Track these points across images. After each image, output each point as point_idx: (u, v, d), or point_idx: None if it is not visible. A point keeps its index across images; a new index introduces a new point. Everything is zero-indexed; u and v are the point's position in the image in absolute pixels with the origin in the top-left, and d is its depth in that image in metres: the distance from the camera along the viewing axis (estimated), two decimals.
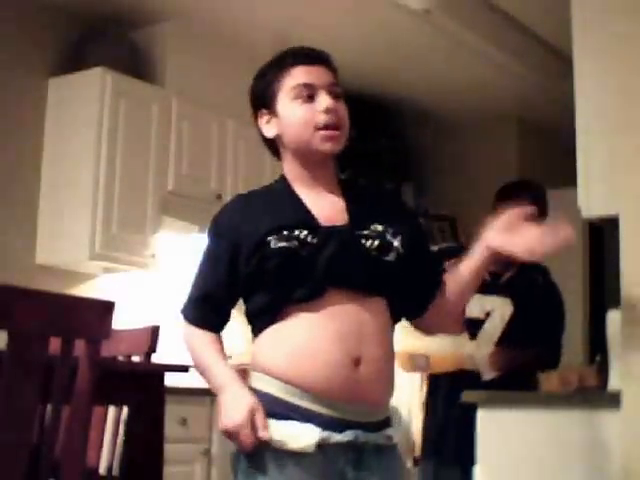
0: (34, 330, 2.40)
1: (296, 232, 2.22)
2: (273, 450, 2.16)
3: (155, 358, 3.56)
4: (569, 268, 7.01)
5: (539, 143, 7.44)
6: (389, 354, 2.29)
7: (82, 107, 5.22)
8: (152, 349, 3.53)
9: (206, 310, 2.34)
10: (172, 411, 4.18)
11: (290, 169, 2.41)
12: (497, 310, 4.35)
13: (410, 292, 2.35)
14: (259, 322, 2.28)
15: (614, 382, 3.36)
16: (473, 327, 4.35)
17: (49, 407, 2.54)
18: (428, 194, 7.36)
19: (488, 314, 4.37)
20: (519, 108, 7.14)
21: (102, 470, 3.32)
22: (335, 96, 2.34)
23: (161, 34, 5.64)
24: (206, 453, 5.02)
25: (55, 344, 2.48)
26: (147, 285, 5.70)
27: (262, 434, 2.14)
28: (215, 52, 5.90)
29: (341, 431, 2.17)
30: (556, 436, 2.77)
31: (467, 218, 6.78)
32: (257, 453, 2.17)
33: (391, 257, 2.26)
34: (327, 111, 2.30)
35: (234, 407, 2.17)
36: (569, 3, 3.58)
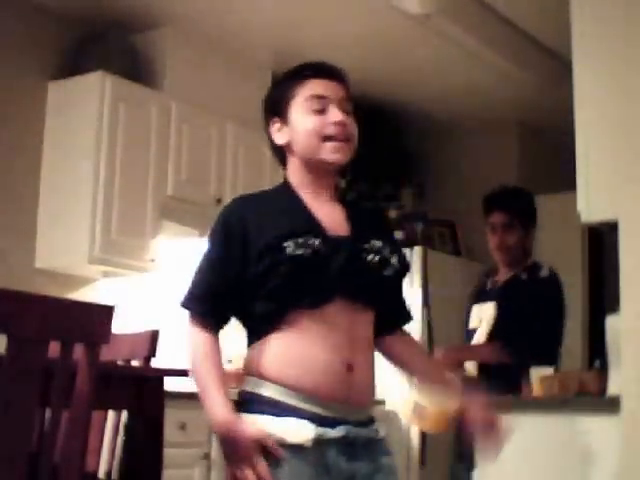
0: (33, 334, 2.40)
1: (310, 240, 2.28)
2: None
3: (154, 362, 3.56)
4: (568, 273, 7.01)
5: (539, 148, 7.44)
6: (373, 362, 2.40)
7: (82, 111, 5.22)
8: (151, 353, 3.53)
9: (212, 306, 2.35)
10: (171, 415, 4.17)
11: (296, 176, 2.47)
12: (485, 317, 4.42)
13: (384, 313, 2.45)
14: (260, 327, 2.33)
15: (613, 387, 3.36)
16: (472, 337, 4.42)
17: (48, 411, 2.54)
18: (428, 199, 7.36)
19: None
20: (519, 112, 7.15)
21: (101, 475, 3.32)
22: (346, 112, 2.43)
23: (160, 38, 5.65)
24: (205, 457, 5.02)
25: (54, 348, 2.48)
26: (146, 289, 5.70)
27: (278, 453, 2.21)
28: (214, 56, 5.90)
29: (334, 427, 2.27)
30: (555, 441, 2.77)
31: (467, 223, 6.79)
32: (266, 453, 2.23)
33: (389, 272, 2.39)
34: (337, 124, 2.39)
35: (239, 446, 2.23)
36: (568, 8, 3.58)
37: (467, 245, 6.99)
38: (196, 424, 4.96)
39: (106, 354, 2.99)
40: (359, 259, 2.34)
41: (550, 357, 4.23)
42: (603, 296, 6.73)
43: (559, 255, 7.09)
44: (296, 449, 2.22)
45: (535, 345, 4.24)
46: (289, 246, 2.26)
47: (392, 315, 2.51)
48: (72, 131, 5.25)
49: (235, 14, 5.55)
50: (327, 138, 2.38)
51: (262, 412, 2.26)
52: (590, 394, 3.57)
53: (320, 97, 2.41)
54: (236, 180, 5.88)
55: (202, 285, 2.37)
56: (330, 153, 2.39)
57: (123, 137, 5.26)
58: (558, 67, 5.74)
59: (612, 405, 3.19)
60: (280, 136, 2.48)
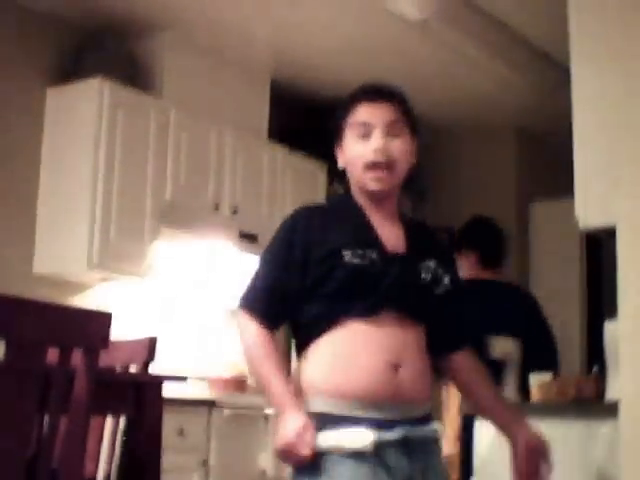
0: (32, 340, 2.40)
1: (368, 252, 2.38)
2: (329, 455, 2.29)
3: (153, 368, 3.56)
4: (567, 279, 7.04)
5: (537, 154, 7.45)
6: (426, 366, 2.46)
7: (80, 117, 5.23)
8: (150, 359, 3.52)
9: (270, 305, 2.42)
10: (170, 421, 4.18)
11: (357, 195, 2.55)
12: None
13: (440, 330, 2.52)
14: (309, 332, 2.41)
15: (611, 393, 3.36)
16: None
17: (47, 417, 2.54)
18: (426, 204, 7.36)
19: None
20: (517, 118, 7.16)
21: None
22: (393, 134, 2.48)
23: (159, 45, 5.65)
24: (204, 463, 5.01)
25: (53, 354, 2.48)
26: (145, 295, 5.70)
27: (305, 452, 2.28)
28: (213, 62, 5.91)
29: (391, 429, 2.32)
30: (553, 446, 2.77)
31: None
32: (313, 463, 2.29)
33: (440, 291, 2.48)
34: (376, 151, 2.45)
35: (286, 429, 2.30)
36: (567, 14, 3.59)
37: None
38: (194, 430, 4.96)
39: (104, 360, 2.99)
40: (412, 276, 2.42)
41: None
42: (601, 302, 6.74)
43: (557, 261, 7.12)
44: (356, 455, 2.28)
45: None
46: (347, 254, 2.36)
47: (448, 335, 2.56)
48: (71, 137, 5.25)
49: (234, 21, 5.55)
50: (368, 167, 2.45)
51: (319, 428, 2.30)
52: (588, 399, 3.57)
53: (364, 124, 2.48)
54: (234, 186, 5.88)
55: (261, 284, 2.44)
56: (370, 182, 2.47)
57: (121, 143, 5.27)
58: (556, 73, 5.74)
59: (610, 410, 3.19)
60: (340, 160, 2.56)
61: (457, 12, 5.41)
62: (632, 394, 3.15)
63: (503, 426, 2.57)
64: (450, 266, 2.57)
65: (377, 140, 2.45)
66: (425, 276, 2.45)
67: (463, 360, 2.59)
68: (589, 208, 3.41)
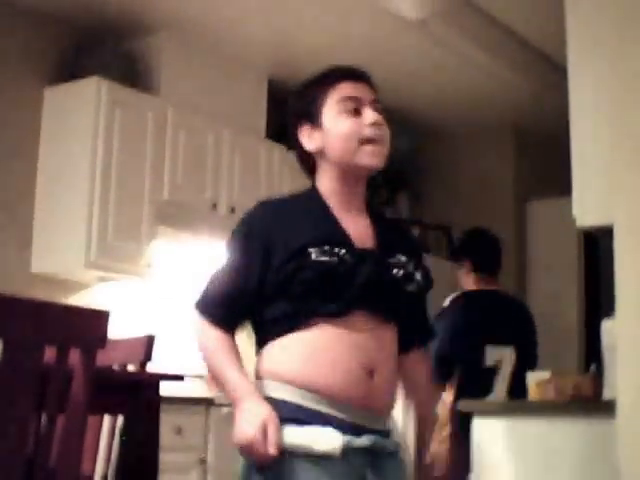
0: (29, 339, 2.40)
1: (336, 249, 2.25)
2: (293, 457, 2.19)
3: (150, 367, 3.56)
4: (564, 277, 7.04)
5: (535, 152, 7.45)
6: (395, 373, 2.38)
7: (78, 116, 5.23)
8: (147, 358, 3.52)
9: (229, 311, 2.34)
10: (167, 420, 4.18)
11: (326, 184, 2.42)
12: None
13: (405, 328, 2.43)
14: (275, 329, 2.30)
15: (609, 391, 3.36)
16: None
17: (44, 416, 2.54)
18: (423, 203, 7.37)
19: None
20: (515, 117, 7.16)
21: (97, 479, 3.31)
22: (379, 113, 2.40)
23: (157, 44, 5.65)
24: (202, 462, 5.02)
25: (50, 353, 2.48)
26: (142, 294, 5.70)
27: (271, 450, 2.16)
28: (211, 62, 5.91)
29: (359, 435, 2.24)
30: (551, 445, 2.77)
31: (462, 227, 6.79)
32: (276, 463, 2.19)
33: (412, 288, 2.38)
34: (374, 124, 2.36)
35: (247, 422, 2.19)
36: (564, 13, 3.59)
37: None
38: (192, 428, 4.96)
39: (102, 359, 2.98)
40: (384, 273, 2.32)
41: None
42: (599, 300, 6.74)
43: (555, 259, 7.12)
44: (322, 458, 2.18)
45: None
46: (313, 252, 2.24)
47: (412, 331, 2.47)
48: (68, 136, 5.25)
49: (231, 20, 5.55)
50: (365, 141, 2.35)
51: (285, 421, 2.21)
52: (586, 398, 3.57)
53: (353, 98, 2.38)
54: (232, 185, 5.88)
55: (218, 290, 2.35)
56: (368, 157, 2.37)
57: (119, 142, 5.27)
58: (554, 72, 5.74)
59: (607, 409, 3.19)
60: (310, 142, 2.42)
61: (455, 11, 5.41)
62: (629, 393, 3.15)
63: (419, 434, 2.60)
64: (420, 261, 2.46)
65: (372, 114, 2.37)
66: (396, 272, 2.34)
67: (415, 359, 2.53)
68: (586, 207, 3.41)
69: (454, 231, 7.08)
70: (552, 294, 7.02)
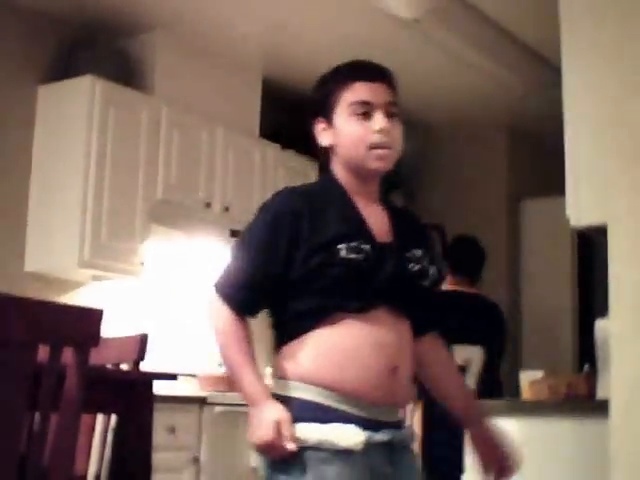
0: (22, 338, 2.39)
1: (362, 245, 2.26)
2: (317, 451, 2.20)
3: (143, 366, 3.55)
4: (558, 277, 7.05)
5: (529, 152, 7.46)
6: (414, 365, 2.39)
7: (71, 115, 5.22)
8: (140, 357, 3.51)
9: (250, 295, 2.30)
10: (160, 419, 4.18)
11: (342, 176, 2.44)
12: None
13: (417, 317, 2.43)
14: (299, 325, 2.29)
15: (602, 391, 3.37)
16: None
17: (37, 415, 2.53)
18: (417, 202, 7.36)
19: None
20: (509, 117, 7.16)
21: (90, 478, 3.31)
22: (391, 115, 2.39)
23: (150, 42, 5.65)
24: (195, 461, 5.02)
25: (43, 352, 2.48)
26: (136, 293, 5.69)
27: (289, 446, 2.18)
28: (204, 60, 5.91)
29: (377, 430, 2.26)
30: (545, 444, 2.78)
31: (456, 227, 6.79)
32: (295, 460, 2.20)
33: (427, 283, 2.38)
34: (381, 131, 2.36)
35: (262, 426, 2.21)
36: (558, 12, 3.59)
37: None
38: (185, 428, 4.96)
39: (95, 357, 2.98)
40: (404, 268, 2.33)
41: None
42: (593, 300, 6.75)
43: (549, 259, 7.12)
44: (343, 454, 2.20)
45: None
46: (342, 249, 2.24)
47: (424, 320, 2.46)
48: (62, 135, 5.24)
49: (225, 18, 5.55)
50: (371, 146, 2.36)
51: (306, 419, 2.22)
52: (579, 398, 3.58)
53: (365, 103, 2.38)
54: (226, 184, 5.88)
55: (240, 273, 2.32)
56: (375, 161, 2.38)
57: (113, 141, 5.26)
58: (547, 71, 5.75)
59: (601, 409, 3.20)
60: (324, 137, 2.44)
61: (449, 11, 5.41)
62: (623, 392, 3.15)
63: (464, 417, 2.54)
64: (434, 253, 2.48)
65: (381, 120, 2.36)
66: (412, 267, 2.34)
67: (432, 341, 2.51)
68: (580, 206, 3.42)
69: (448, 231, 7.09)
70: (545, 294, 7.03)
